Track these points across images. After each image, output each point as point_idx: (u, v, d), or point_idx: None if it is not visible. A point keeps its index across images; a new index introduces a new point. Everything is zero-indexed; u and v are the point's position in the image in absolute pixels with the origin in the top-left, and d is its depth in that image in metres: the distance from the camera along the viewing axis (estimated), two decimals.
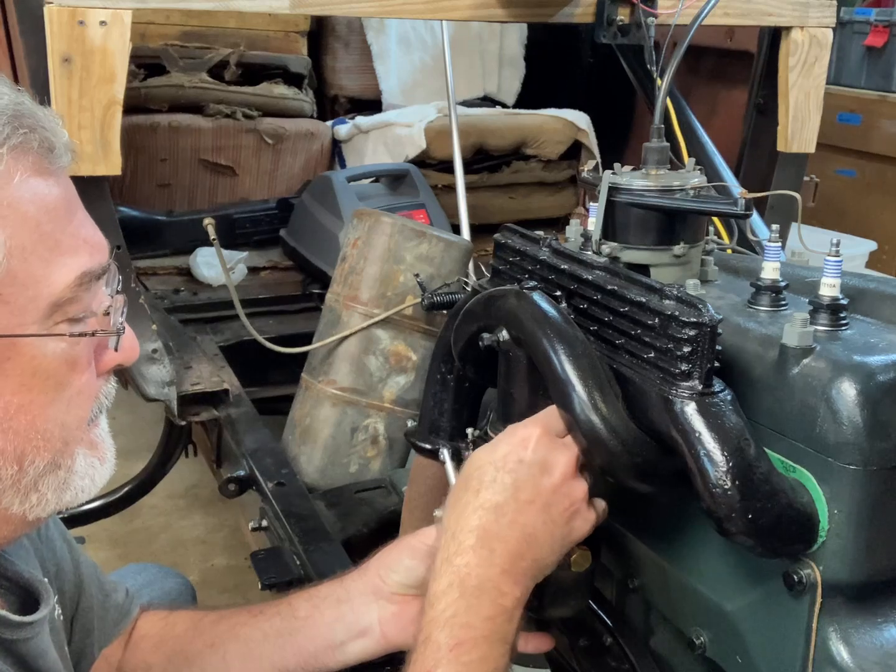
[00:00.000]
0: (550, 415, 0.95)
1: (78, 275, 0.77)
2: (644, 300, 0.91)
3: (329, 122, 3.27)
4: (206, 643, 1.11)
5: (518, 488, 0.91)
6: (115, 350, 0.84)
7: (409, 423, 1.29)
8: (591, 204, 1.10)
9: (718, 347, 0.86)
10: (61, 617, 0.99)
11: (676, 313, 0.87)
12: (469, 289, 1.40)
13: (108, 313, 0.82)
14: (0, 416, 0.76)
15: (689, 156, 1.95)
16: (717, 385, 0.86)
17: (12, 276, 0.73)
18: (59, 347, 0.77)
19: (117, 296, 0.84)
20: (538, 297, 0.98)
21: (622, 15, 1.89)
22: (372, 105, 3.43)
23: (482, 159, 3.08)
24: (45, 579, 0.92)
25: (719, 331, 0.86)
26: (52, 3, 1.54)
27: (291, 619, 1.10)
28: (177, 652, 1.12)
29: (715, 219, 1.57)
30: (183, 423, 1.86)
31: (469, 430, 1.11)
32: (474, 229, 2.03)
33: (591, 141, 3.11)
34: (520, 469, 0.91)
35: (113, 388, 0.87)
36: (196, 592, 1.54)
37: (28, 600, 0.90)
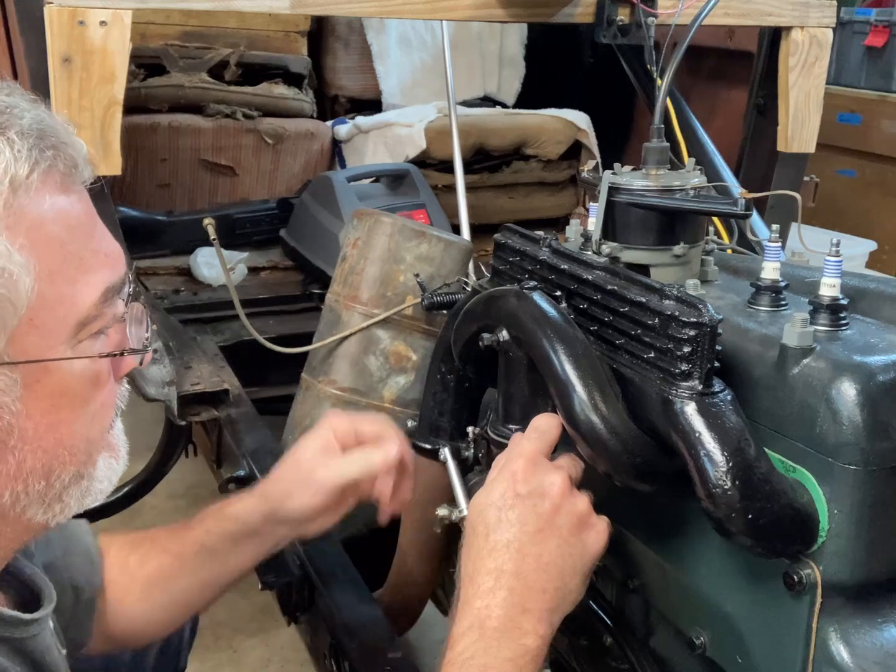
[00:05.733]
0: (528, 441, 0.96)
1: (102, 291, 0.78)
2: (644, 300, 0.91)
3: (329, 122, 3.26)
4: (144, 585, 1.15)
5: (524, 521, 0.91)
6: (140, 364, 0.86)
7: (409, 423, 1.29)
8: (591, 204, 1.10)
9: (718, 347, 0.86)
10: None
11: (676, 313, 0.87)
12: (469, 289, 1.40)
13: (124, 319, 0.82)
14: (30, 436, 0.76)
15: (689, 156, 1.95)
16: (717, 385, 0.86)
17: (42, 299, 0.73)
18: (85, 364, 0.78)
19: (133, 304, 0.84)
20: (538, 297, 0.98)
21: (622, 15, 1.89)
22: (372, 105, 3.42)
23: (482, 159, 3.08)
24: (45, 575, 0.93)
25: (719, 331, 0.86)
26: (52, 3, 1.54)
27: (212, 555, 1.17)
28: (119, 597, 1.14)
29: (715, 219, 1.57)
30: (183, 423, 1.86)
31: (469, 430, 1.11)
32: (474, 229, 2.03)
33: (591, 141, 3.11)
34: (519, 502, 0.92)
35: (126, 389, 0.88)
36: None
37: (27, 596, 0.90)
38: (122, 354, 0.82)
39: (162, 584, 1.16)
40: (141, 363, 0.86)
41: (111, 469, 0.85)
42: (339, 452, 1.16)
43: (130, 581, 1.16)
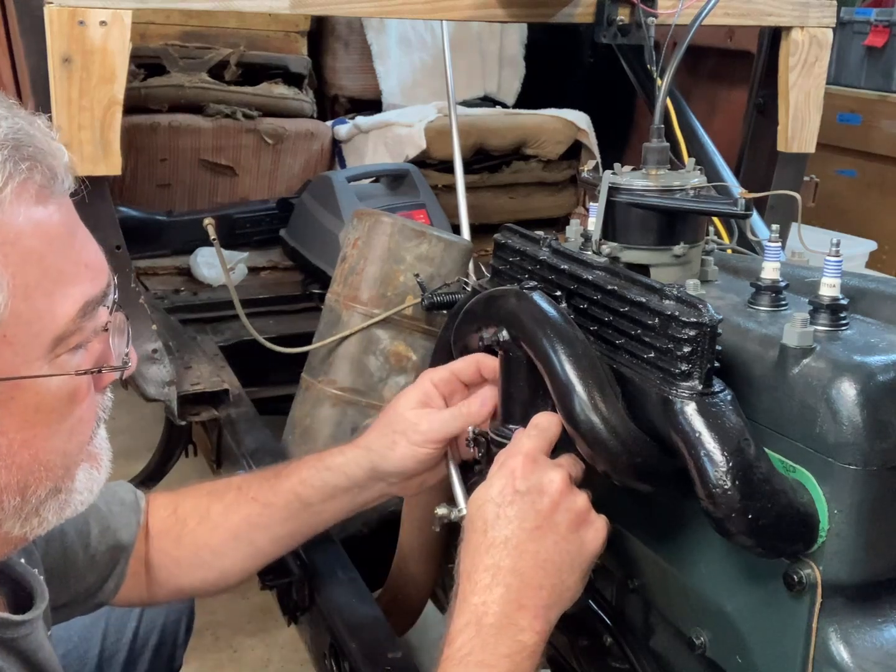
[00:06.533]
0: (528, 438, 0.96)
1: (81, 305, 0.76)
2: (644, 300, 0.91)
3: (329, 122, 3.27)
4: (228, 536, 1.17)
5: (522, 518, 0.91)
6: (121, 378, 0.84)
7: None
8: (591, 204, 1.10)
9: (718, 347, 0.86)
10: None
11: (676, 313, 0.87)
12: (469, 289, 1.40)
13: (107, 329, 0.81)
14: (4, 452, 0.75)
15: (689, 156, 1.95)
16: (717, 385, 0.86)
17: (16, 315, 0.71)
18: (62, 379, 0.76)
19: (117, 313, 0.82)
20: (538, 297, 0.98)
21: (622, 15, 1.89)
22: (372, 105, 3.42)
23: (482, 159, 3.08)
24: (36, 570, 0.93)
25: (719, 331, 0.86)
26: (52, 3, 1.54)
27: (306, 506, 1.17)
28: (200, 546, 1.17)
29: (715, 219, 1.57)
30: (183, 423, 1.86)
31: (469, 429, 1.11)
32: (474, 229, 2.03)
33: (591, 141, 3.11)
34: (518, 499, 0.92)
35: (110, 398, 0.86)
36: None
37: (20, 595, 0.90)
38: (99, 372, 0.79)
39: (249, 533, 1.17)
40: (122, 377, 0.84)
41: (92, 480, 0.84)
42: (442, 403, 1.14)
43: (211, 532, 1.17)
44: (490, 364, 1.10)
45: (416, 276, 1.59)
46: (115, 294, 0.82)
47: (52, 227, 0.75)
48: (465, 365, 1.13)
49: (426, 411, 1.13)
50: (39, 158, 0.74)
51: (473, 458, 1.12)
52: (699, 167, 1.09)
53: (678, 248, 1.04)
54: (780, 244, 0.95)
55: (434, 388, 1.14)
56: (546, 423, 0.97)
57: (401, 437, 1.13)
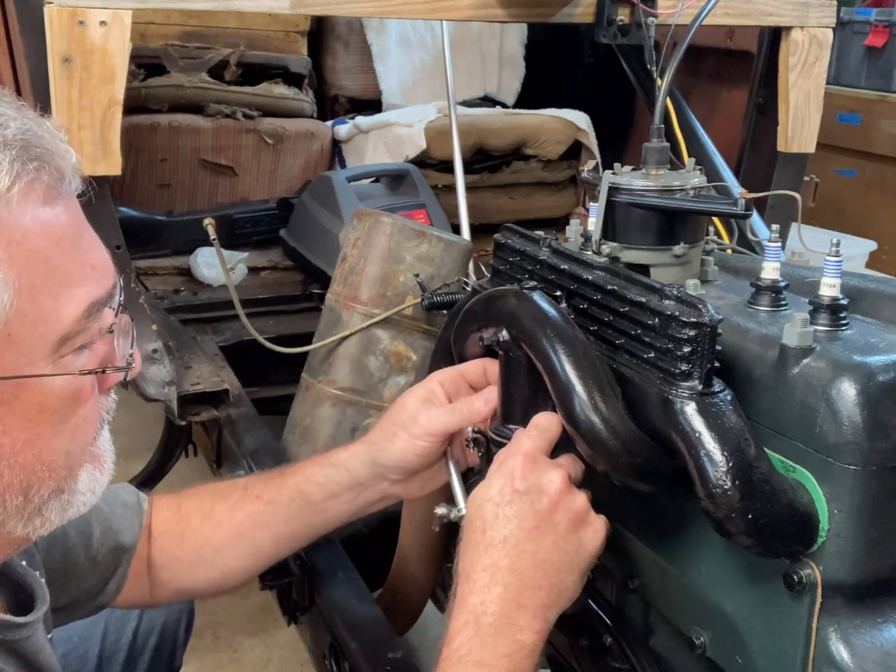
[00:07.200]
0: (528, 438, 0.96)
1: (86, 306, 0.76)
2: (644, 300, 0.91)
3: (329, 122, 3.27)
4: (231, 534, 1.17)
5: (521, 518, 0.91)
6: (125, 380, 0.84)
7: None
8: (591, 204, 1.10)
9: (718, 347, 0.86)
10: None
11: (676, 313, 0.87)
12: (469, 289, 1.40)
13: (112, 331, 0.81)
14: (7, 452, 0.75)
15: (689, 156, 1.95)
16: (717, 385, 0.86)
17: (21, 315, 0.72)
18: (66, 380, 0.76)
19: (122, 315, 0.82)
20: (538, 297, 0.98)
21: (622, 15, 1.89)
22: (372, 105, 3.42)
23: (482, 159, 3.08)
24: (37, 572, 0.93)
25: (719, 331, 0.86)
26: (52, 3, 1.54)
27: (308, 504, 1.17)
28: (202, 544, 1.17)
29: (715, 219, 1.57)
30: (183, 423, 1.86)
31: (469, 429, 1.11)
32: (474, 229, 2.03)
33: (591, 141, 3.11)
34: (517, 499, 0.92)
35: (114, 400, 0.86)
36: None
37: (21, 596, 0.90)
38: (103, 372, 0.80)
39: (251, 531, 1.17)
40: (125, 378, 0.84)
41: (95, 481, 0.84)
42: (445, 401, 1.14)
43: (214, 529, 1.17)
44: (496, 370, 1.11)
45: (416, 276, 1.59)
46: (120, 296, 0.82)
47: (59, 227, 0.75)
48: (473, 367, 1.14)
49: (427, 405, 1.14)
50: (47, 159, 0.74)
51: (474, 465, 1.12)
52: (699, 167, 1.09)
53: (678, 248, 1.04)
54: (780, 244, 0.96)
55: (439, 385, 1.15)
56: (546, 423, 0.97)
57: (401, 429, 1.13)
